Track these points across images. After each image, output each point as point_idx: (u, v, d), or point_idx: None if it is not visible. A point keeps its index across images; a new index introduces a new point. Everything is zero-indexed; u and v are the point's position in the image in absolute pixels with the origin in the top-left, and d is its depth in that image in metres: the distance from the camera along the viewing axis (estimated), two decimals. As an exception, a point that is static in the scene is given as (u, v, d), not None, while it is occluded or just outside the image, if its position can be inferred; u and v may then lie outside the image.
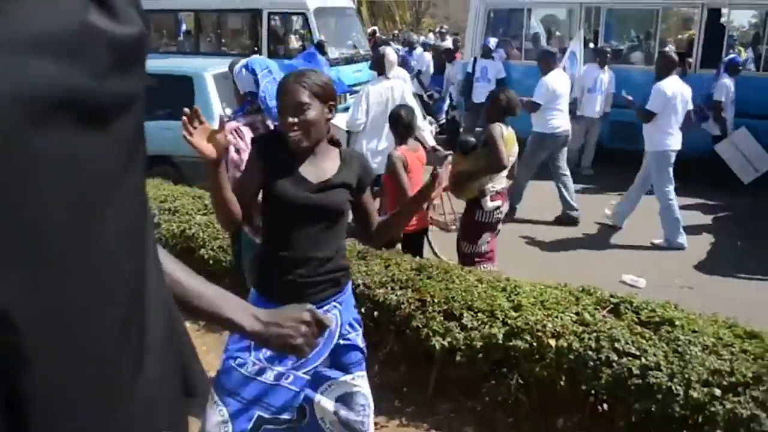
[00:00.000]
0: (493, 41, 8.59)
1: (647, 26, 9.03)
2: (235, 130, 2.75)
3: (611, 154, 7.72)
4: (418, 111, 4.96)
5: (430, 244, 4.87)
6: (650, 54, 8.16)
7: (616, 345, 2.43)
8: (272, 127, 2.82)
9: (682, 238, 5.22)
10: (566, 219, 5.96)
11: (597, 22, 8.60)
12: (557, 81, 6.07)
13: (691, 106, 5.54)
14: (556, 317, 2.66)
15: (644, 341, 2.43)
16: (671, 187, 5.24)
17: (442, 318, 2.85)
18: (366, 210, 2.08)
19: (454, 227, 4.74)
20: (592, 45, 8.44)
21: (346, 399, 2.04)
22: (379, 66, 5.01)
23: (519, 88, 8.13)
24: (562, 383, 2.52)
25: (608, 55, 7.67)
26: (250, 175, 1.96)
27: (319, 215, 1.91)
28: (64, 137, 0.48)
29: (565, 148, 6.12)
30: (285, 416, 1.94)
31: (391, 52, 5.08)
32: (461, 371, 2.79)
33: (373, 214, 2.09)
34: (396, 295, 3.00)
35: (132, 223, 0.58)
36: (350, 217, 2.08)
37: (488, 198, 3.80)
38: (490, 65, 8.47)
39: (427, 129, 5.16)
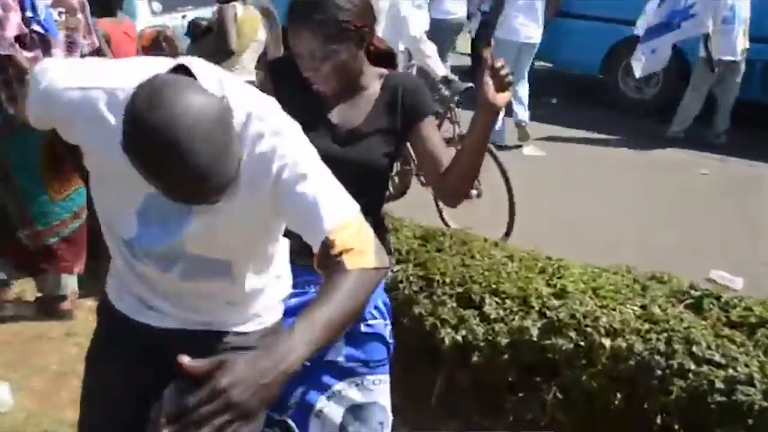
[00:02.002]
0: None
1: None
2: None
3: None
4: (417, 23, 5.15)
5: (437, 206, 5.02)
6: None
7: (694, 349, 2.56)
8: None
9: None
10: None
11: None
12: None
13: None
14: (614, 310, 2.79)
15: (733, 347, 2.57)
16: None
17: (454, 304, 2.98)
18: (426, 153, 2.09)
19: (475, 192, 4.91)
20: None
21: (359, 412, 2.13)
22: None
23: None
24: (617, 398, 2.65)
25: None
26: None
27: (345, 174, 1.81)
28: None
29: None
30: (272, 414, 2.04)
31: None
32: (478, 377, 2.93)
33: (439, 158, 2.08)
34: (392, 270, 3.12)
35: None
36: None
37: None
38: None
39: (433, 54, 5.29)
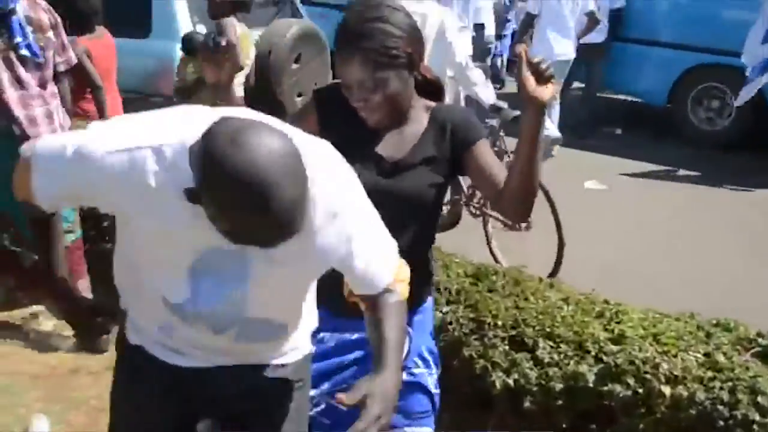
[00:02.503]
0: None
1: None
2: None
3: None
4: (462, 48, 5.29)
5: (488, 241, 5.15)
6: None
7: (760, 400, 2.65)
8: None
9: None
10: None
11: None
12: None
13: None
14: (675, 356, 2.89)
15: (801, 398, 2.66)
16: None
17: (506, 347, 3.10)
18: (482, 172, 2.18)
19: (524, 225, 5.11)
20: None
21: None
22: None
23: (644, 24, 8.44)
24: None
25: None
26: None
27: (392, 207, 1.97)
28: None
29: None
30: None
31: None
32: (530, 424, 3.04)
33: (496, 175, 2.15)
34: (442, 311, 3.27)
35: None
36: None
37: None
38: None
39: (481, 81, 5.44)
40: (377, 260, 1.80)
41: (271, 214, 1.41)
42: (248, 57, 4.74)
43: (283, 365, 1.97)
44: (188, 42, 5.10)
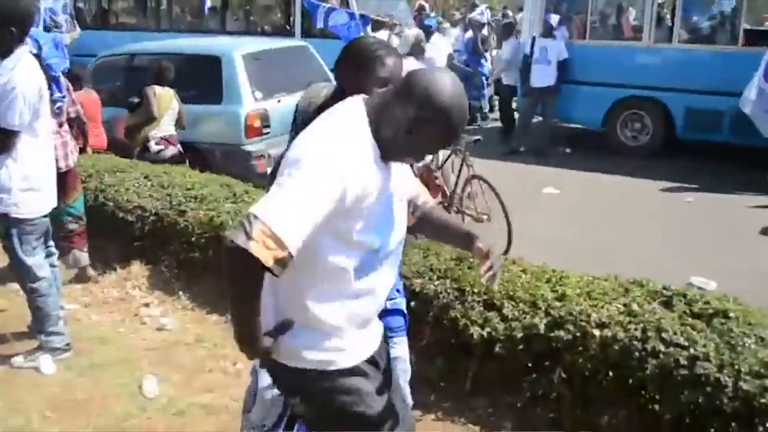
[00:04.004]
0: (554, 18, 8.79)
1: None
2: None
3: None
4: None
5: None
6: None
7: (664, 335, 2.66)
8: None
9: None
10: None
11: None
12: None
13: None
14: (602, 308, 2.90)
15: (694, 332, 2.65)
16: None
17: (481, 308, 3.13)
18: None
19: (485, 217, 5.39)
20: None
21: None
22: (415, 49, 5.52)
23: (583, 69, 8.47)
24: (608, 376, 2.76)
25: None
26: None
27: None
28: None
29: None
30: None
31: (411, 34, 5.53)
32: (501, 365, 3.06)
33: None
34: (434, 284, 3.29)
35: None
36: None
37: (153, 143, 5.71)
38: (551, 45, 8.67)
39: None
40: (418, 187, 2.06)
41: (465, 119, 1.69)
42: (171, 105, 5.75)
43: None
44: (129, 104, 5.88)
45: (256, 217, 1.48)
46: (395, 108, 1.63)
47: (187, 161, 5.85)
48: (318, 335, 1.73)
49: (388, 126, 1.64)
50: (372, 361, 1.85)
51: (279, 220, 1.48)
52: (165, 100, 5.72)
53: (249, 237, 1.46)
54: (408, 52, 5.98)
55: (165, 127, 5.77)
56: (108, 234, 4.76)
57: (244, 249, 1.46)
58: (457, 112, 1.63)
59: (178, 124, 5.91)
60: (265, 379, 2.06)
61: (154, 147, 5.72)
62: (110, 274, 4.60)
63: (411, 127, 1.62)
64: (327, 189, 1.54)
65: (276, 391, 2.04)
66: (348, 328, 1.75)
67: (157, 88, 5.71)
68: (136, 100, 5.78)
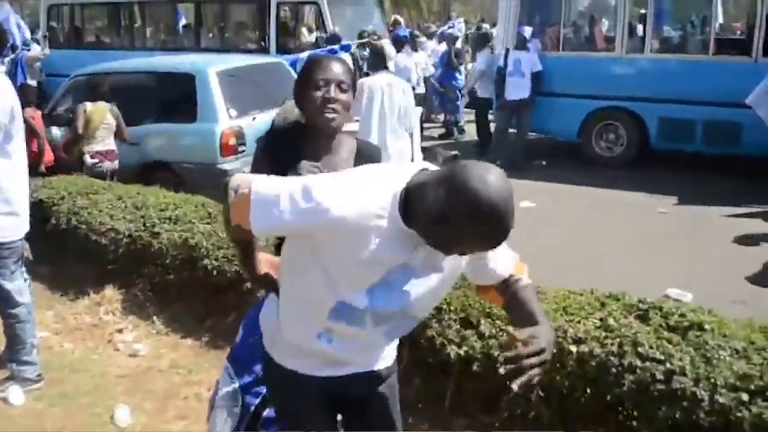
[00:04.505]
0: (528, 30, 8.85)
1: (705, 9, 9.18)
2: None
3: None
4: (413, 115, 5.48)
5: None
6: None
7: (640, 350, 2.65)
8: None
9: None
10: None
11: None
12: None
13: None
14: (578, 323, 2.89)
15: (670, 346, 2.65)
16: None
17: (458, 326, 3.10)
18: None
19: None
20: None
21: None
22: (377, 60, 5.56)
23: (557, 81, 8.54)
24: (585, 393, 2.74)
25: None
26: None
27: None
28: None
29: None
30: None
31: (387, 46, 5.56)
32: (479, 384, 3.03)
33: None
34: (410, 303, 3.26)
35: None
36: None
37: (88, 156, 5.90)
38: (524, 58, 8.73)
39: (417, 136, 5.59)
40: (500, 256, 1.79)
41: (506, 229, 1.48)
42: (105, 120, 5.95)
43: (388, 367, 1.94)
44: (60, 119, 6.40)
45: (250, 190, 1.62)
46: (429, 190, 1.50)
47: (160, 179, 5.82)
48: (276, 324, 1.84)
49: (416, 205, 1.53)
50: (326, 388, 1.83)
51: (258, 203, 1.60)
52: (98, 114, 5.91)
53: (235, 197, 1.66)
54: (373, 63, 5.97)
55: (100, 141, 5.98)
56: (81, 258, 4.68)
57: (227, 204, 1.68)
58: (489, 217, 1.44)
59: (119, 137, 6.08)
60: (225, 388, 2.09)
61: (89, 161, 5.92)
62: (83, 299, 4.51)
63: (439, 216, 1.47)
64: (320, 201, 1.54)
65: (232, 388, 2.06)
66: (294, 339, 1.79)
67: (89, 105, 5.91)
68: (69, 115, 6.08)
